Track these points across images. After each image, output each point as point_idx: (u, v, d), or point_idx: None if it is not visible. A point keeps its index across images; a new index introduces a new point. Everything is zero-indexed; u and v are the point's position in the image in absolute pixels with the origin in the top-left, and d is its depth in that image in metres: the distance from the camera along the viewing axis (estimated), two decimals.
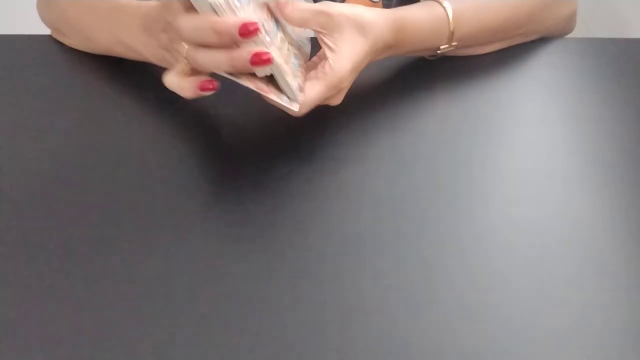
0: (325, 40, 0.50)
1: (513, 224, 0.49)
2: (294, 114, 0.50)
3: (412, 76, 0.63)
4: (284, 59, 0.47)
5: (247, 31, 0.43)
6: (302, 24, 0.50)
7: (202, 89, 0.47)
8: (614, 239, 0.48)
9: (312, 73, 0.50)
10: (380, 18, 0.53)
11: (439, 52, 0.60)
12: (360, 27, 0.51)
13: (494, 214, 0.50)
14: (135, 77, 0.62)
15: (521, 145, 0.56)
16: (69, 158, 0.54)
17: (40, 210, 0.50)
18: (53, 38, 0.67)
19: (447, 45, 0.60)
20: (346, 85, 0.51)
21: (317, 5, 0.50)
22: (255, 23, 0.43)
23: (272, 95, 0.47)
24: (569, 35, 0.71)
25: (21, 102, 0.60)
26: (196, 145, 0.55)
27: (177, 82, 0.47)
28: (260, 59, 0.44)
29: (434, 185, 0.52)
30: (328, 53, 0.50)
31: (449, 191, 0.51)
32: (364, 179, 0.52)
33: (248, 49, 0.44)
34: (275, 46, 0.46)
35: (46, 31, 0.69)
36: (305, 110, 0.49)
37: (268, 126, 0.57)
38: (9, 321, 0.43)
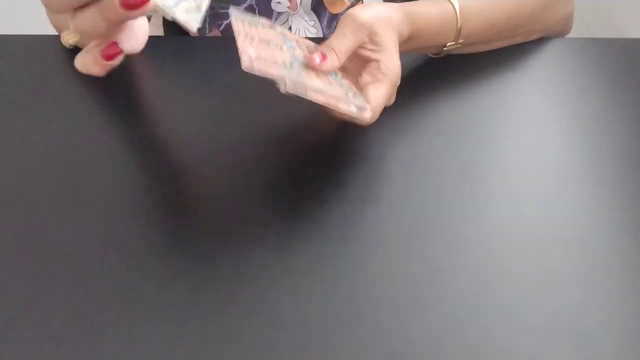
0: (366, 46, 0.51)
1: (513, 224, 0.49)
2: (364, 122, 0.49)
3: (413, 76, 0.63)
4: (327, 81, 0.47)
5: None
6: (348, 55, 0.50)
7: (107, 57, 0.42)
8: (615, 238, 0.48)
9: (367, 77, 0.50)
10: (396, 12, 0.54)
11: (445, 49, 0.61)
12: (388, 22, 0.52)
13: (494, 214, 0.50)
14: (139, 78, 0.62)
15: (521, 145, 0.56)
16: (70, 158, 0.54)
17: (40, 210, 0.50)
18: (55, 38, 0.67)
19: (453, 42, 0.60)
20: (399, 79, 0.52)
21: (349, 27, 0.51)
22: None
23: (342, 106, 0.46)
24: (568, 35, 0.71)
25: (22, 102, 0.60)
26: (196, 145, 0.55)
27: (80, 61, 0.43)
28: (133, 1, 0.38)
29: (434, 185, 0.52)
30: (375, 55, 0.51)
31: (449, 191, 0.51)
32: (364, 179, 0.52)
33: None
34: (314, 77, 0.47)
35: (48, 31, 0.69)
36: (376, 114, 0.49)
37: (268, 127, 0.57)
38: (9, 321, 0.43)
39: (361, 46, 0.51)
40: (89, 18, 0.40)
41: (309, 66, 0.48)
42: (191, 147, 0.55)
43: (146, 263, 0.46)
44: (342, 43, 0.50)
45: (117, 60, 0.42)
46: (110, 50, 0.42)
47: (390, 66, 0.50)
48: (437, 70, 0.63)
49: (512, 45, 0.66)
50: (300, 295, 0.44)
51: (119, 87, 0.61)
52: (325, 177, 0.52)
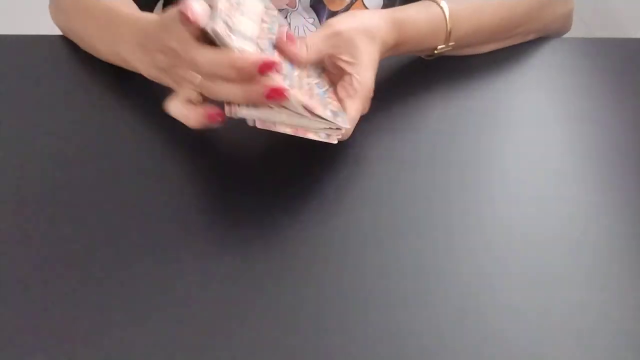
0: (342, 57, 0.51)
1: (513, 223, 0.49)
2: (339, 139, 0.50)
3: (412, 76, 0.63)
4: (308, 95, 0.47)
5: (268, 68, 0.44)
6: (318, 56, 0.51)
7: (210, 119, 0.47)
8: (613, 239, 0.48)
9: (341, 92, 0.51)
10: (382, 20, 0.54)
11: (436, 52, 0.61)
12: (369, 34, 0.52)
13: (494, 214, 0.50)
14: (140, 79, 0.62)
15: (520, 145, 0.56)
16: (71, 159, 0.54)
17: (40, 210, 0.50)
18: (57, 39, 0.67)
19: (444, 46, 0.60)
20: (372, 93, 0.52)
21: (324, 30, 0.51)
22: (276, 61, 0.44)
23: (311, 135, 0.47)
24: (568, 35, 0.71)
25: (22, 102, 0.60)
26: (197, 146, 0.55)
27: (182, 110, 0.47)
28: (277, 94, 0.44)
29: (434, 185, 0.52)
30: (349, 68, 0.51)
31: (449, 191, 0.51)
32: (364, 179, 0.52)
33: (265, 83, 0.44)
34: (295, 87, 0.47)
35: (48, 31, 0.69)
36: (350, 130, 0.50)
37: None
38: (9, 321, 0.43)
39: (337, 56, 0.51)
40: (230, 91, 0.45)
41: (278, 44, 0.49)
42: (191, 147, 0.55)
43: (146, 263, 0.46)
44: (314, 42, 0.51)
45: (214, 125, 0.47)
46: (218, 116, 0.47)
47: (362, 82, 0.50)
48: (436, 70, 0.63)
49: (510, 45, 0.66)
50: (300, 295, 0.44)
51: (119, 86, 0.61)
52: (325, 177, 0.52)
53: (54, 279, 0.45)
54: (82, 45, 0.64)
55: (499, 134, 0.57)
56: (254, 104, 0.46)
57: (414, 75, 0.63)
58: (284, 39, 0.49)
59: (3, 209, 0.50)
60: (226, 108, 0.46)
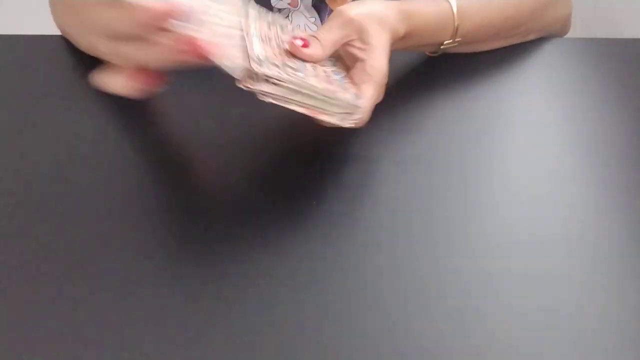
0: (354, 44, 0.51)
1: (513, 224, 0.49)
2: (354, 126, 0.49)
3: (412, 76, 0.63)
4: (326, 82, 0.46)
5: (167, 16, 0.37)
6: (334, 49, 0.51)
7: (140, 82, 0.42)
8: (613, 239, 0.48)
9: (355, 79, 0.50)
10: (391, 9, 0.54)
11: (442, 47, 0.61)
12: (380, 20, 0.52)
13: (494, 214, 0.50)
14: None
15: (521, 145, 0.56)
16: (71, 158, 0.54)
17: (39, 210, 0.50)
18: (57, 39, 0.67)
19: (450, 41, 0.60)
20: (386, 78, 0.51)
21: (336, 21, 0.51)
22: (170, 8, 0.37)
23: (325, 117, 0.46)
24: (568, 35, 0.71)
25: (22, 102, 0.60)
26: (197, 145, 0.55)
27: (106, 80, 0.42)
28: (189, 47, 0.38)
29: (434, 185, 0.52)
30: (362, 54, 0.50)
31: (449, 191, 0.51)
32: (364, 179, 0.52)
33: (173, 36, 0.38)
34: (311, 76, 0.46)
35: (48, 31, 0.69)
36: (366, 117, 0.49)
37: (268, 126, 0.57)
38: (9, 321, 0.43)
39: (349, 43, 0.51)
40: (152, 52, 0.39)
41: (290, 50, 0.48)
42: (190, 147, 0.55)
43: (146, 264, 0.46)
44: (327, 35, 0.50)
45: (154, 87, 0.42)
46: (154, 78, 0.42)
47: (376, 67, 0.50)
48: (436, 70, 0.63)
49: (511, 45, 0.66)
50: (300, 295, 0.44)
51: None
52: (324, 177, 0.52)
53: (52, 279, 0.45)
54: (73, 42, 0.64)
55: (499, 133, 0.57)
56: (174, 62, 0.40)
57: (414, 75, 0.63)
58: (296, 44, 0.48)
59: (2, 208, 0.50)
60: (239, 83, 0.42)
